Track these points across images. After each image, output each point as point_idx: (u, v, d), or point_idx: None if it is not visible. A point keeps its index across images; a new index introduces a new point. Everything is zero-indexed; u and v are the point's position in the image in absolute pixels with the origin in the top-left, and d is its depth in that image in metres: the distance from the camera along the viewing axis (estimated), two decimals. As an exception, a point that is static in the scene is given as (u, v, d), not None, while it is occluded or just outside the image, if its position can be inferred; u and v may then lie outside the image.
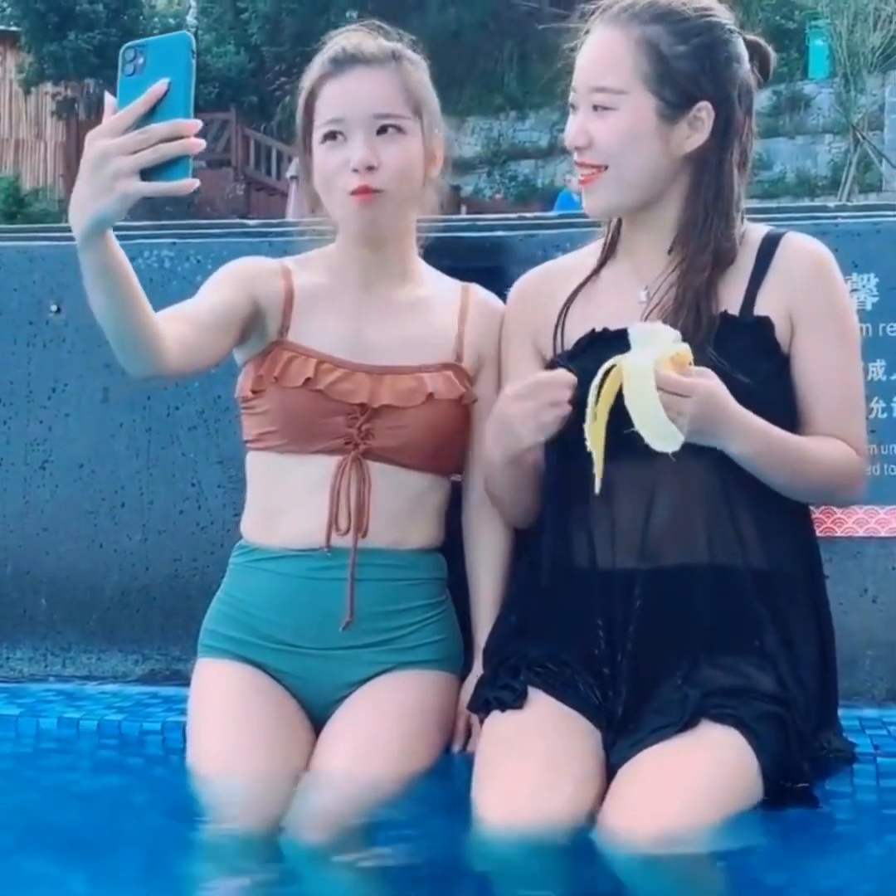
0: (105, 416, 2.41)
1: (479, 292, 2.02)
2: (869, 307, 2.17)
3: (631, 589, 1.71)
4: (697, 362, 1.63)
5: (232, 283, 1.89)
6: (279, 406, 1.89)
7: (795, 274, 1.77)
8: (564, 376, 1.68)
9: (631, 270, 1.83)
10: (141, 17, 18.14)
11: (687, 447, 1.60)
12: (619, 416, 1.61)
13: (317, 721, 1.87)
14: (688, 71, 1.73)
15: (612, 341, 1.69)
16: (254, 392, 1.91)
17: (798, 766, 1.67)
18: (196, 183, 1.42)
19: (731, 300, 1.76)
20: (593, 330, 1.79)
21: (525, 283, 1.96)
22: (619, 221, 1.86)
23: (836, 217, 2.27)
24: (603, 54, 1.76)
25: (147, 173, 1.42)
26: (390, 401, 1.88)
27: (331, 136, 1.86)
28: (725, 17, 1.79)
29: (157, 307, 1.67)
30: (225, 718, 1.83)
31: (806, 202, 13.10)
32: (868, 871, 1.67)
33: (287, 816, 1.68)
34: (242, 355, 1.94)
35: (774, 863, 1.59)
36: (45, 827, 1.79)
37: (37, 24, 17.45)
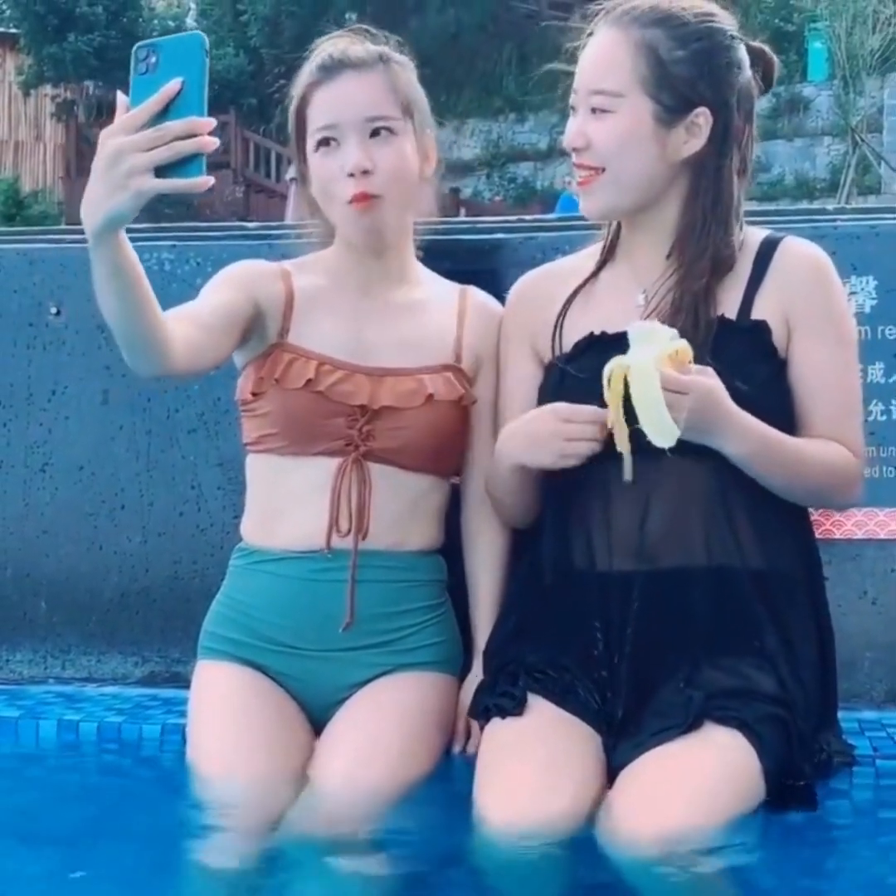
0: (105, 418, 2.41)
1: (477, 294, 2.03)
2: (868, 310, 2.17)
3: (629, 591, 1.72)
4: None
5: (233, 285, 1.90)
6: (280, 408, 1.89)
7: (793, 278, 1.77)
8: (606, 416, 1.67)
9: (629, 273, 1.83)
10: (140, 20, 18.16)
11: (685, 449, 1.61)
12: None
13: (317, 723, 1.88)
14: (686, 76, 1.73)
15: (611, 345, 1.70)
16: (254, 394, 1.91)
17: (799, 767, 1.67)
18: (211, 180, 1.42)
19: (728, 304, 1.76)
20: (592, 333, 1.80)
21: (524, 285, 1.96)
22: (619, 224, 1.87)
23: (834, 220, 2.28)
24: (603, 57, 1.76)
25: (161, 171, 1.42)
26: (391, 402, 1.88)
27: (324, 142, 1.87)
28: (727, 23, 1.79)
29: (156, 310, 1.67)
30: (225, 720, 1.83)
31: (804, 204, 13.12)
32: (867, 873, 1.67)
33: (287, 818, 1.68)
34: (242, 358, 1.95)
35: (774, 865, 1.59)
36: (45, 829, 1.79)
37: (36, 27, 17.46)
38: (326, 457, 1.88)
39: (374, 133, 1.86)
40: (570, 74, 1.80)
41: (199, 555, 2.37)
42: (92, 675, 2.41)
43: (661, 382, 1.57)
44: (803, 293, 1.76)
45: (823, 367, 1.76)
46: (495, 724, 1.75)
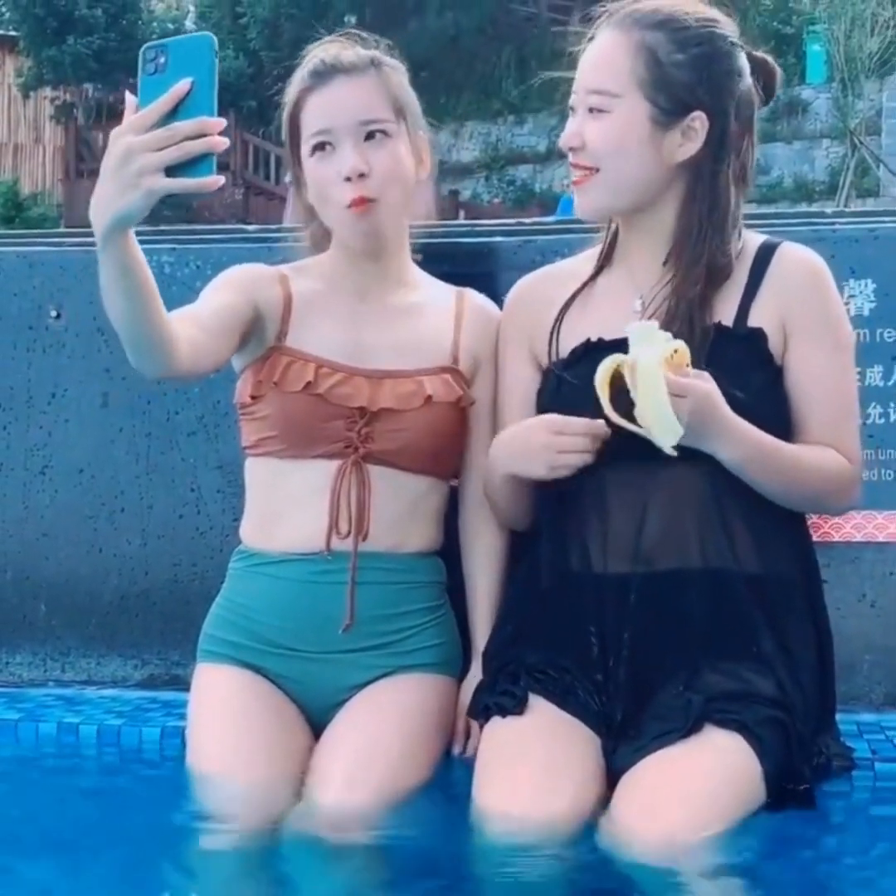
0: (105, 421, 2.41)
1: (474, 297, 2.03)
2: (866, 313, 2.18)
3: (625, 593, 1.72)
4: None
5: (233, 288, 1.90)
6: (279, 411, 1.89)
7: (789, 284, 1.77)
8: (601, 429, 1.68)
9: (627, 278, 1.83)
10: (139, 22, 18.15)
11: (680, 454, 1.61)
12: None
13: (316, 725, 1.88)
14: (684, 79, 1.74)
15: (607, 351, 1.69)
16: (253, 397, 1.91)
17: (799, 769, 1.67)
18: (221, 179, 1.43)
19: (724, 311, 1.76)
20: (588, 339, 1.80)
21: (523, 288, 1.96)
22: (616, 228, 1.87)
23: (833, 223, 2.28)
24: (603, 57, 1.76)
25: (171, 171, 1.43)
26: (390, 404, 1.88)
27: (319, 147, 1.88)
28: (729, 29, 1.79)
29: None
30: (225, 723, 1.83)
31: (803, 207, 13.12)
32: (865, 876, 1.67)
33: (287, 820, 1.68)
34: (240, 361, 1.95)
35: (774, 867, 1.59)
36: (44, 831, 1.79)
37: (36, 29, 17.46)
38: (325, 459, 1.88)
39: (369, 136, 1.87)
40: (570, 78, 1.80)
41: (198, 557, 2.37)
42: (91, 677, 2.41)
43: None
44: (800, 299, 1.76)
45: (820, 373, 1.76)
46: (495, 723, 1.75)
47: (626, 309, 1.79)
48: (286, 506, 1.91)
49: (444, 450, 1.94)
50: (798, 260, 1.79)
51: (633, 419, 1.62)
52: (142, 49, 1.46)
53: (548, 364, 1.85)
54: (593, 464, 1.69)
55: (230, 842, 1.67)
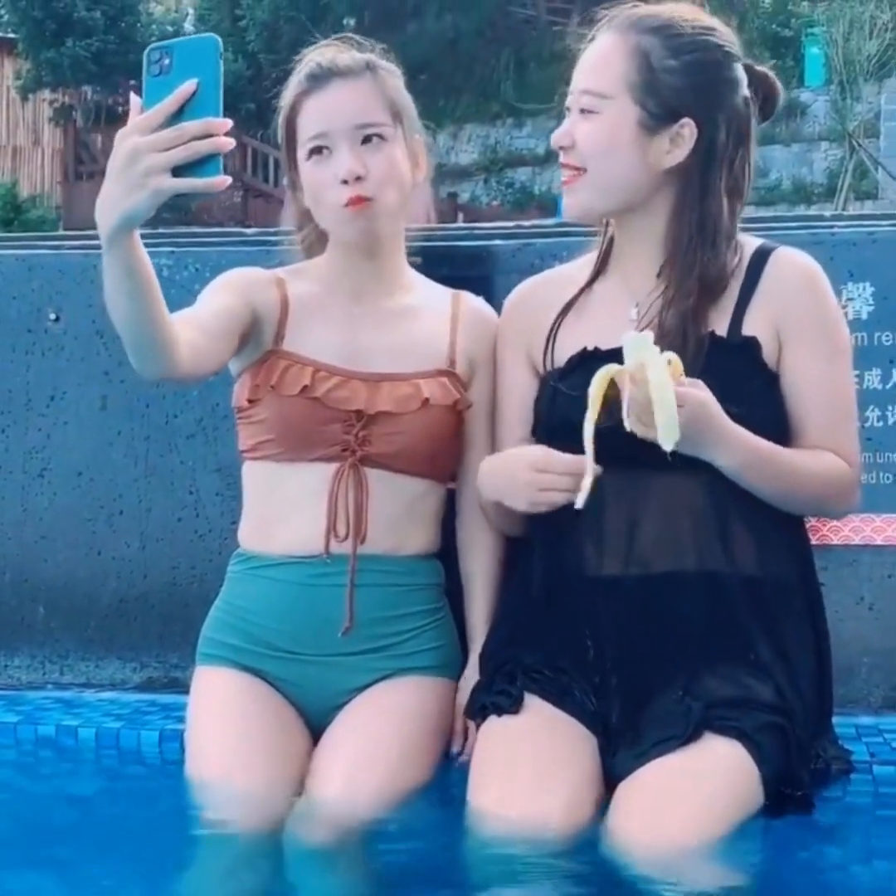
0: (103, 424, 2.41)
1: (470, 299, 2.03)
2: (864, 316, 2.18)
3: (618, 595, 1.72)
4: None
5: (231, 290, 1.90)
6: (276, 414, 1.89)
7: (784, 289, 1.76)
8: (592, 468, 1.66)
9: (623, 285, 1.83)
10: (138, 25, 18.14)
11: (677, 461, 1.60)
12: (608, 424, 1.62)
13: (315, 728, 1.88)
14: (674, 85, 1.73)
15: (603, 361, 1.67)
16: (250, 401, 1.91)
17: (797, 774, 1.67)
18: (228, 180, 1.43)
19: (718, 320, 1.75)
20: (585, 348, 1.80)
21: (522, 292, 1.96)
22: (612, 235, 1.86)
23: (831, 226, 2.28)
24: (598, 59, 1.76)
25: (178, 171, 1.43)
26: (387, 407, 1.89)
27: (316, 151, 1.88)
28: (726, 39, 1.77)
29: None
30: (223, 726, 1.83)
31: (802, 209, 13.12)
32: (864, 879, 1.67)
33: (286, 824, 1.68)
34: (237, 365, 1.95)
35: (772, 872, 1.59)
36: (43, 834, 1.79)
37: (34, 31, 17.45)
38: (323, 462, 1.88)
39: (365, 140, 1.87)
40: (568, 80, 1.81)
41: (197, 560, 2.37)
42: (90, 680, 2.41)
43: None
44: (794, 304, 1.76)
45: (816, 377, 1.75)
46: (491, 722, 1.75)
47: (622, 317, 1.79)
48: (284, 509, 1.91)
49: (441, 453, 1.94)
50: (792, 265, 1.78)
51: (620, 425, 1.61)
52: (146, 50, 1.46)
53: (544, 372, 1.85)
54: None
55: (229, 845, 1.67)
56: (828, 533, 2.16)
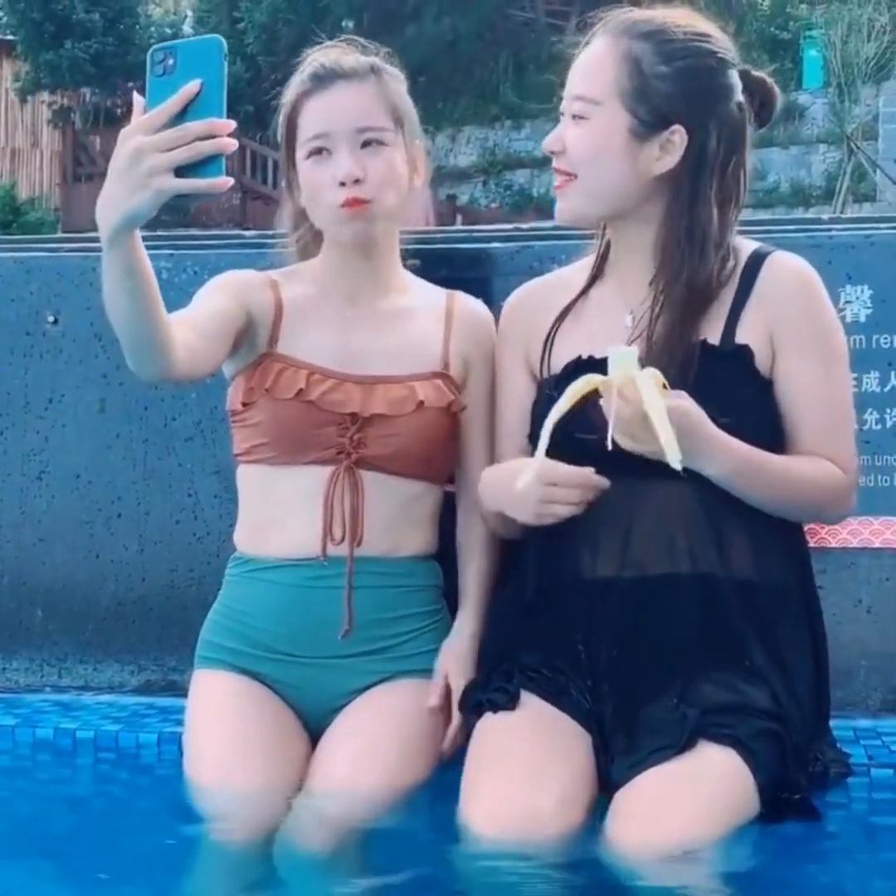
0: (102, 426, 2.41)
1: (464, 300, 2.03)
2: (862, 319, 2.18)
3: (613, 598, 1.72)
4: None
5: (226, 292, 1.91)
6: (271, 418, 1.89)
7: (777, 294, 1.75)
8: (598, 482, 1.66)
9: (618, 292, 1.82)
10: (137, 27, 18.15)
11: (669, 470, 1.59)
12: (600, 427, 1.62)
13: (314, 730, 1.88)
14: (665, 92, 1.71)
15: (597, 370, 1.66)
16: (244, 404, 1.91)
17: (795, 779, 1.67)
18: (230, 180, 1.43)
19: (711, 328, 1.74)
20: (580, 356, 1.79)
21: (521, 295, 1.96)
22: (608, 241, 1.86)
23: (829, 229, 2.28)
24: (590, 64, 1.76)
25: (180, 171, 1.43)
26: (382, 410, 1.89)
27: (316, 151, 1.88)
28: (720, 46, 1.76)
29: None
30: (222, 729, 1.83)
31: (800, 212, 13.12)
32: (862, 883, 1.67)
33: (284, 826, 1.68)
34: (231, 368, 1.95)
35: (769, 877, 1.59)
36: (41, 837, 1.79)
37: (33, 33, 17.45)
38: (318, 465, 1.88)
39: (365, 144, 1.87)
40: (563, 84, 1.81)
41: (195, 563, 2.37)
42: (88, 683, 2.41)
43: None
44: (789, 309, 1.75)
45: (811, 383, 1.74)
46: (487, 719, 1.75)
47: (617, 325, 1.79)
48: (279, 512, 1.91)
49: (436, 454, 1.94)
50: (786, 269, 1.77)
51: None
52: (151, 50, 1.46)
53: (541, 378, 1.85)
54: None
55: (227, 847, 1.67)
56: (826, 536, 2.16)
